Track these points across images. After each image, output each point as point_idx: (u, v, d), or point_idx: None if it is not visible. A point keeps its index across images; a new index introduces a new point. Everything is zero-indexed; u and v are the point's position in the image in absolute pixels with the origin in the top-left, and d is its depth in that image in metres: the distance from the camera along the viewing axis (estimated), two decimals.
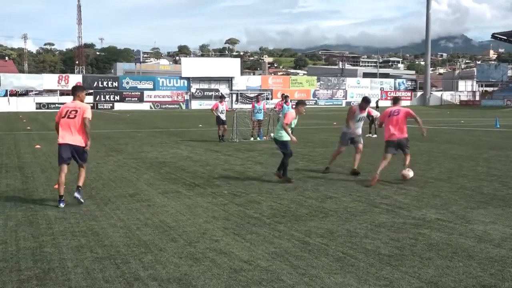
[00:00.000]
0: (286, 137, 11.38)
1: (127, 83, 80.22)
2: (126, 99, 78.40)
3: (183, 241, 6.68)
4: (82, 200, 9.04)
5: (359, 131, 12.90)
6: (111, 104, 76.86)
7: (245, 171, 13.08)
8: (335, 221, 7.77)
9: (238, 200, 9.37)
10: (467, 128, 28.55)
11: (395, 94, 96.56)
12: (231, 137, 21.73)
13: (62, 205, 8.80)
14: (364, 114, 12.86)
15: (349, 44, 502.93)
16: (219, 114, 22.01)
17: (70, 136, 8.97)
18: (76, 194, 8.99)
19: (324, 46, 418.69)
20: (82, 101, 9.36)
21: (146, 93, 79.87)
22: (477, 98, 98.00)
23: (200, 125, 33.00)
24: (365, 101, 12.83)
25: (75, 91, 9.37)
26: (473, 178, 11.87)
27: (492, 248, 6.36)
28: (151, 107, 78.37)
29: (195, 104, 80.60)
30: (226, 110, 22.77)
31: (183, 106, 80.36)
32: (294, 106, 12.35)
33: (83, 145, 9.04)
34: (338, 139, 13.36)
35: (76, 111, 9.02)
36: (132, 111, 67.84)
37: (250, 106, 23.79)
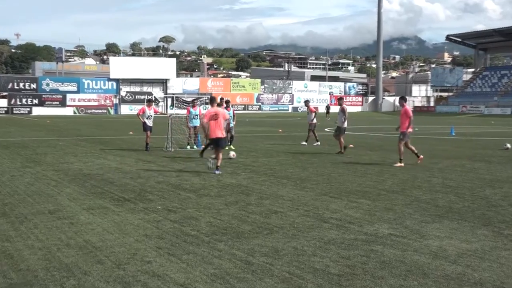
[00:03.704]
0: None
1: (47, 84, 78.26)
2: (46, 102, 76.45)
3: (111, 263, 6.57)
4: (219, 172, 14.53)
5: None
6: (28, 109, 74.81)
7: (181, 183, 13.01)
8: (281, 238, 7.83)
9: (173, 216, 9.30)
10: (421, 136, 29.39)
11: (345, 99, 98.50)
12: (166, 146, 21.56)
13: (217, 172, 14.52)
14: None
15: (295, 44, 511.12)
16: (146, 120, 21.78)
17: (214, 131, 14.75)
18: (215, 171, 14.52)
19: (268, 46, 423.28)
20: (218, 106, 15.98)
21: (69, 96, 78.13)
22: (432, 103, 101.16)
23: (131, 132, 32.57)
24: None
25: (213, 101, 15.68)
26: (428, 189, 12.23)
27: (448, 265, 6.55)
28: (75, 112, 76.78)
29: (125, 109, 79.51)
30: (160, 113, 22.53)
31: (112, 111, 79.12)
32: (225, 106, 19.00)
33: (222, 136, 14.96)
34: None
35: (217, 114, 14.86)
36: (53, 116, 66.30)
37: (186, 111, 23.68)
